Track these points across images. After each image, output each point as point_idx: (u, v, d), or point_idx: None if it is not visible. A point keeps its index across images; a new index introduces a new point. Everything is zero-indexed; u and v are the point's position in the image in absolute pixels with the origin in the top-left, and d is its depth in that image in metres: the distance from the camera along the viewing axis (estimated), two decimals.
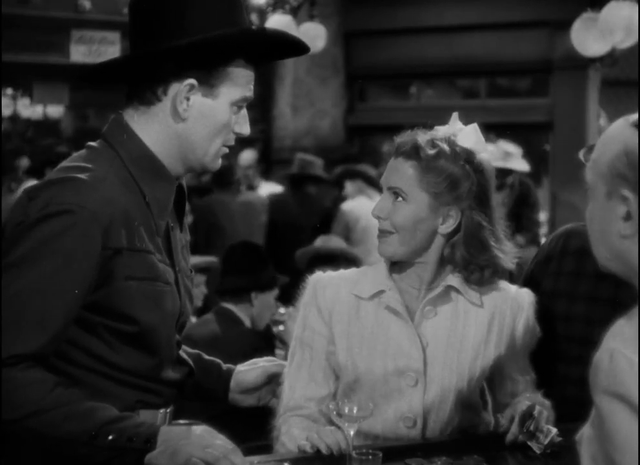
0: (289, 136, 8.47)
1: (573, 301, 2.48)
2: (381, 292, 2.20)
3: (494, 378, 2.25)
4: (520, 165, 5.94)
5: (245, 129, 1.99)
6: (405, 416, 2.15)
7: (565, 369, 2.43)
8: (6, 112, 11.13)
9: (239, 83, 1.94)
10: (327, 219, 6.37)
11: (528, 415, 2.07)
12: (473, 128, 2.21)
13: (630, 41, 6.48)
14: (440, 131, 2.19)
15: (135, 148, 1.91)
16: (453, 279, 2.19)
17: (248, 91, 1.96)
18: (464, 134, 2.19)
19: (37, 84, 10.22)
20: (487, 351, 2.20)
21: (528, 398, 2.17)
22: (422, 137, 2.16)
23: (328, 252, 4.88)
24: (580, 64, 7.64)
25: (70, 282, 1.78)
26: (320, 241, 5.21)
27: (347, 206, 6.32)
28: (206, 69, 1.90)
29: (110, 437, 1.75)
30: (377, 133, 9.07)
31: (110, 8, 8.23)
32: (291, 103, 8.46)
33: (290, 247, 5.58)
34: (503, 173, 5.82)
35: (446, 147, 2.14)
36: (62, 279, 1.78)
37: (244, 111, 1.98)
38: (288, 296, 4.95)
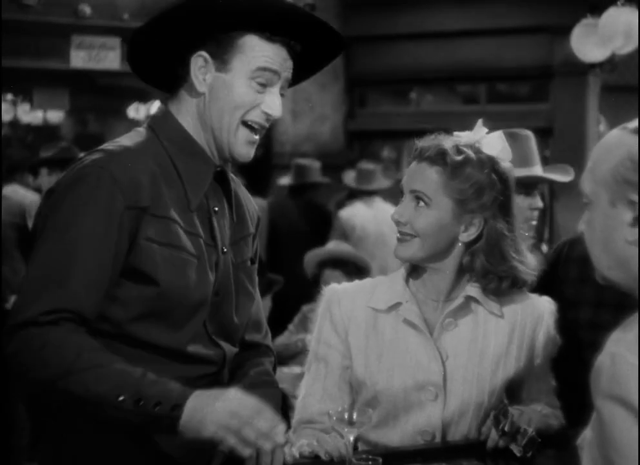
0: (289, 141, 8.47)
1: (579, 307, 2.48)
2: (398, 304, 2.16)
3: (512, 387, 2.22)
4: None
5: (274, 109, 1.95)
6: (423, 430, 2.12)
7: (570, 374, 2.43)
8: (7, 117, 11.15)
9: (252, 56, 1.92)
10: (325, 224, 6.39)
11: (502, 416, 2.05)
12: (499, 136, 2.18)
13: (630, 47, 6.49)
14: (464, 137, 2.16)
15: (170, 128, 1.98)
16: (471, 289, 2.15)
17: (266, 63, 1.93)
18: (489, 141, 2.16)
19: (37, 89, 10.23)
20: (507, 363, 2.16)
21: (519, 407, 2.15)
22: (446, 142, 2.13)
23: (340, 255, 4.87)
24: (580, 70, 7.65)
25: (95, 240, 1.83)
26: (331, 246, 5.21)
27: (344, 213, 6.35)
28: (215, 41, 1.91)
29: (138, 402, 1.73)
30: (377, 138, 9.07)
31: (110, 14, 8.23)
32: (291, 109, 8.45)
33: (291, 252, 5.58)
34: None
35: (471, 154, 2.11)
36: (88, 238, 1.83)
37: (274, 90, 1.95)
38: (288, 300, 4.96)
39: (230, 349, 2.04)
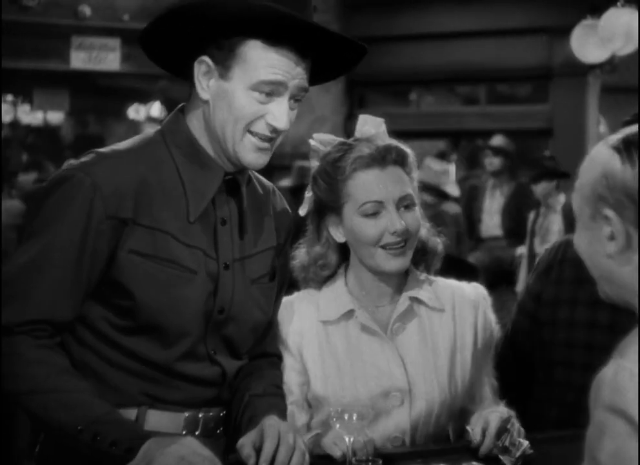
0: (289, 142, 8.46)
1: (575, 307, 2.48)
2: (350, 312, 2.13)
3: (471, 385, 2.19)
4: (452, 189, 5.82)
5: (279, 121, 1.82)
6: (393, 437, 2.11)
7: (567, 375, 2.43)
8: (7, 118, 11.16)
9: (254, 66, 1.79)
10: None
11: (503, 430, 2.04)
12: (380, 122, 2.18)
13: (630, 48, 6.50)
14: (362, 135, 2.16)
15: (180, 134, 1.90)
16: (411, 288, 2.16)
17: (269, 75, 1.80)
18: (367, 130, 2.17)
19: (37, 90, 10.25)
20: (461, 354, 2.16)
21: (498, 411, 2.12)
22: (392, 142, 2.15)
23: None
24: (580, 71, 7.66)
25: (69, 248, 1.79)
26: None
27: None
28: (218, 46, 1.81)
29: (95, 437, 1.72)
30: None
31: (110, 15, 8.24)
32: None
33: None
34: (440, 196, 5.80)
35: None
36: (61, 246, 1.79)
37: (281, 101, 1.83)
38: None
39: (231, 365, 1.98)
